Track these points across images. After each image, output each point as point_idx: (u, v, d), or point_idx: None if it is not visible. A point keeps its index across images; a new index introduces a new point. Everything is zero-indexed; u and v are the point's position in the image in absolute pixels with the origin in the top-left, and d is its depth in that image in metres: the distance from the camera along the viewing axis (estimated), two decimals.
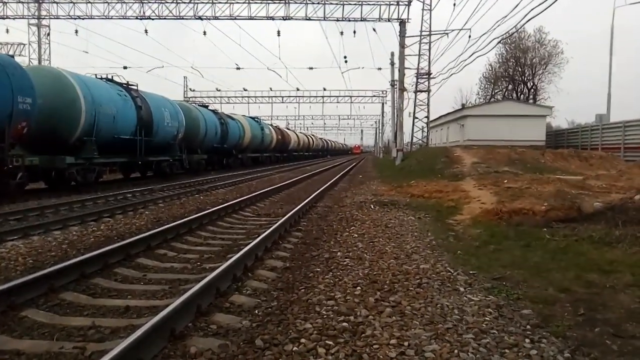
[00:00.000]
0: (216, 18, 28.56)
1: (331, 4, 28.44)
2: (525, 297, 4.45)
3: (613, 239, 6.48)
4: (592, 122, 34.15)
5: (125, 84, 17.99)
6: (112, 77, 17.72)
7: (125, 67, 37.58)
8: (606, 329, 3.64)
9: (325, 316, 3.94)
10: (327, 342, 3.42)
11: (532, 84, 48.44)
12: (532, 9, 14.35)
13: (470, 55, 24.20)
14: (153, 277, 5.35)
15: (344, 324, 3.75)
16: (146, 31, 30.07)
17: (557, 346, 3.37)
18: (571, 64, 48.02)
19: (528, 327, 3.74)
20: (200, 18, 28.65)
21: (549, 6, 12.67)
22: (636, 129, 24.26)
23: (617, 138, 25.89)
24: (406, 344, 3.39)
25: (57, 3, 29.22)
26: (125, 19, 28.78)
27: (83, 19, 28.84)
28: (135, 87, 18.42)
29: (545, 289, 4.69)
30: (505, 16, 16.71)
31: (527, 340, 3.46)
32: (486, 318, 3.92)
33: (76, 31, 30.04)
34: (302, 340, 3.45)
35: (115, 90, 16.78)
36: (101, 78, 17.19)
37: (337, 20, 28.89)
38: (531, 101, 44.49)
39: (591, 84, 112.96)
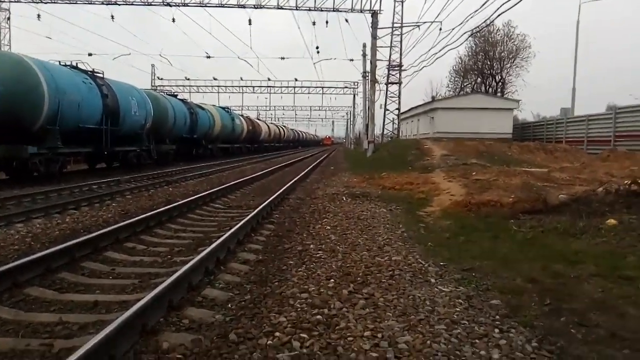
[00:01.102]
0: (185, 5, 28.01)
1: None
2: (494, 288, 4.55)
3: (577, 230, 6.70)
4: (557, 115, 35.16)
5: (90, 71, 17.44)
6: (76, 64, 17.13)
7: (90, 54, 36.58)
8: (572, 318, 3.76)
9: (299, 309, 3.93)
10: (301, 335, 3.42)
11: (500, 77, 49.47)
12: (502, 4, 14.57)
13: (442, 49, 24.55)
14: (122, 271, 5.23)
15: (318, 316, 3.76)
16: (112, 17, 29.22)
17: (525, 336, 3.46)
18: (538, 58, 49.28)
19: (497, 317, 3.82)
20: (169, 5, 28.01)
21: (519, 1, 12.87)
22: (598, 123, 25.10)
23: (580, 131, 26.73)
24: (380, 335, 3.42)
25: None
26: (91, 4, 27.87)
27: (46, 3, 27.79)
28: (101, 75, 17.89)
29: (513, 280, 4.81)
30: (476, 10, 16.92)
31: (497, 330, 3.55)
32: (457, 309, 3.99)
33: (38, 16, 28.91)
34: (277, 333, 3.44)
35: (80, 78, 16.24)
36: (65, 65, 16.60)
37: (309, 10, 28.76)
38: (499, 94, 45.43)
39: (557, 77, 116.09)
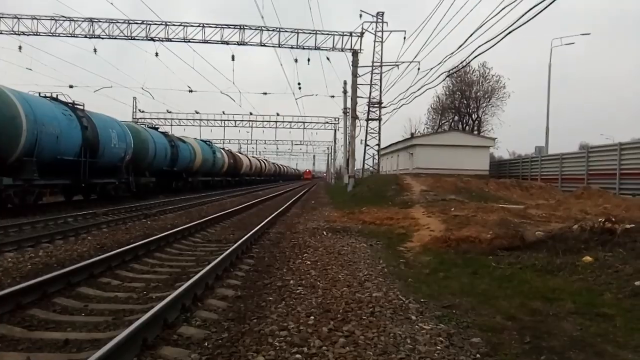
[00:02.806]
0: (169, 40, 28.25)
1: (286, 31, 28.84)
2: (475, 325, 4.54)
3: (554, 267, 6.77)
4: (531, 153, 36.07)
5: (70, 103, 17.32)
6: (57, 95, 17.02)
7: (71, 86, 36.44)
8: (551, 357, 3.76)
9: (278, 347, 3.85)
10: None
11: (476, 116, 50.80)
12: (479, 46, 15.11)
13: (420, 88, 25.11)
14: (95, 308, 5.06)
15: (298, 355, 3.69)
16: (95, 50, 29.29)
17: None
18: (513, 94, 51.07)
19: (478, 355, 3.81)
20: (152, 39, 28.24)
21: (494, 44, 13.39)
22: (572, 161, 25.79)
23: (555, 169, 27.39)
24: None
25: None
26: (74, 37, 27.95)
27: (27, 35, 27.74)
28: (81, 107, 17.78)
29: (493, 317, 4.81)
30: (453, 52, 17.49)
31: None
32: (438, 347, 3.96)
33: (20, 47, 28.84)
34: None
35: (60, 110, 16.11)
36: (45, 96, 16.48)
37: (292, 48, 29.29)
38: (476, 132, 46.51)
39: (532, 113, 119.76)
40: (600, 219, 8.32)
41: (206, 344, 3.98)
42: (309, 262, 7.57)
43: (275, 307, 5.02)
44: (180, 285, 5.35)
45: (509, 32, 12.46)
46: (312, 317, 4.67)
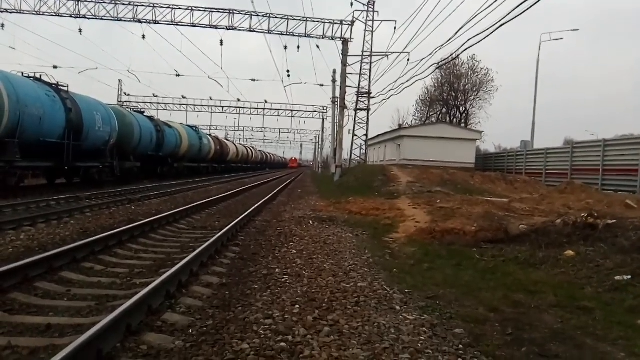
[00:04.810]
0: (157, 22, 27.82)
1: (276, 17, 28.58)
2: (458, 316, 4.59)
3: (537, 260, 6.88)
4: (517, 147, 36.41)
5: (54, 84, 16.98)
6: (40, 76, 16.67)
7: (55, 67, 35.76)
8: (532, 349, 3.82)
9: (262, 336, 3.85)
10: None
11: (464, 108, 51.02)
12: (469, 39, 15.15)
13: (410, 79, 25.19)
14: (78, 293, 5.01)
15: (282, 344, 3.69)
16: (80, 30, 28.71)
17: None
18: (501, 89, 51.33)
19: (460, 346, 3.85)
20: (139, 21, 27.78)
21: (484, 38, 13.41)
22: (556, 156, 26.10)
23: (539, 164, 27.70)
24: None
25: None
26: (59, 16, 27.33)
27: (10, 12, 27.08)
28: (65, 89, 17.44)
29: (476, 309, 4.87)
30: (443, 45, 17.51)
31: None
32: (421, 337, 4.00)
33: (2, 25, 28.14)
34: None
35: (44, 91, 15.78)
36: (28, 77, 16.13)
37: (282, 35, 29.06)
38: (463, 125, 46.77)
39: (518, 108, 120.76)
40: (582, 214, 8.44)
41: (190, 331, 3.97)
42: (294, 251, 7.58)
43: (261, 296, 5.02)
44: (165, 271, 5.32)
45: (499, 26, 12.51)
46: (297, 306, 4.67)
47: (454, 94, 50.78)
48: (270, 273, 6.05)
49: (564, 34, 49.71)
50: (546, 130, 70.69)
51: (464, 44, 16.16)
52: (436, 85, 51.68)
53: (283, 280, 5.72)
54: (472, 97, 50.23)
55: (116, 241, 7.56)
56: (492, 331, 4.23)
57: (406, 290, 5.49)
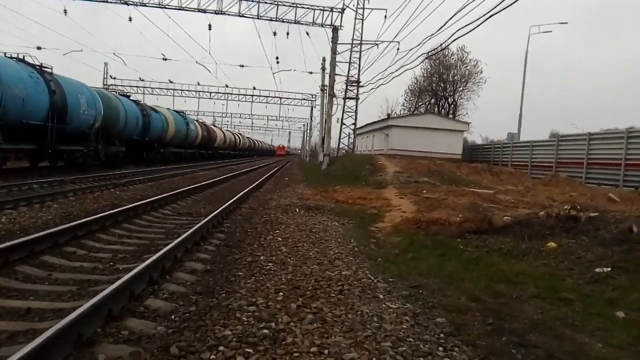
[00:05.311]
0: (144, 5, 27.34)
1: (265, 2, 28.27)
2: (440, 306, 4.64)
3: (520, 251, 6.95)
4: (504, 139, 36.69)
5: (38, 65, 16.64)
6: (23, 57, 16.32)
7: (39, 48, 35.05)
8: (512, 339, 3.87)
9: (245, 322, 3.84)
10: (246, 350, 3.34)
11: (452, 99, 51.22)
12: (459, 29, 15.16)
13: (399, 68, 25.13)
14: (59, 277, 4.95)
15: (265, 330, 3.69)
16: (65, 11, 28.10)
17: (467, 355, 3.53)
18: (488, 80, 51.46)
19: (442, 335, 3.89)
20: (126, 3, 27.29)
21: (474, 28, 13.42)
22: (542, 149, 26.37)
23: (525, 156, 27.98)
24: (326, 352, 3.39)
25: None
26: None
27: None
28: (49, 70, 17.10)
29: (458, 298, 4.92)
30: (433, 34, 17.47)
31: (441, 349, 3.60)
32: (403, 326, 4.03)
33: None
34: (221, 348, 3.34)
35: (27, 72, 15.45)
36: (11, 57, 15.76)
37: (271, 20, 28.75)
38: (451, 116, 46.94)
39: (506, 99, 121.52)
40: (565, 207, 8.55)
41: (173, 317, 3.95)
42: (280, 239, 7.57)
43: (245, 283, 5.01)
44: (149, 257, 5.27)
45: (490, 17, 12.50)
46: (281, 294, 4.68)
47: (442, 84, 50.90)
48: (255, 260, 6.03)
49: (554, 27, 49.97)
50: (533, 123, 71.22)
51: (453, 34, 16.20)
52: (425, 75, 51.77)
53: (268, 267, 5.71)
54: (461, 88, 50.46)
55: (99, 226, 7.49)
56: (473, 321, 4.28)
57: (390, 279, 5.53)
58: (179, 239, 6.22)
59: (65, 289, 4.57)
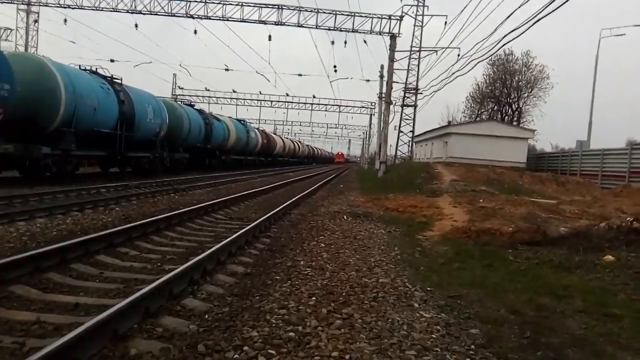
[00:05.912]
0: (208, 18, 28.53)
1: (324, 12, 28.64)
2: (476, 317, 4.50)
3: (572, 264, 6.59)
4: (573, 147, 34.79)
5: (109, 77, 17.86)
6: (96, 69, 17.59)
7: (112, 60, 37.40)
8: (547, 353, 3.69)
9: (273, 325, 3.93)
10: (269, 351, 3.41)
11: (517, 106, 49.25)
12: (505, 35, 14.73)
13: (451, 75, 24.52)
14: (109, 276, 5.29)
15: (291, 333, 3.75)
16: (136, 25, 29.93)
17: None
18: (562, 85, 49.07)
19: (472, 346, 3.77)
20: (191, 17, 28.58)
21: (523, 32, 12.94)
22: (613, 157, 24.74)
23: (595, 165, 26.36)
24: (347, 357, 3.40)
25: None
26: (116, 11, 28.59)
27: (73, 8, 28.56)
28: (119, 81, 18.29)
29: (497, 310, 4.74)
30: (484, 38, 16.97)
31: None
32: (433, 335, 3.95)
33: (65, 20, 29.73)
34: (245, 348, 3.44)
35: (98, 83, 16.63)
36: (85, 69, 17.04)
37: (329, 30, 29.09)
38: (515, 123, 45.16)
39: (578, 104, 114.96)
40: (628, 218, 8.01)
41: (206, 316, 4.11)
42: (323, 245, 7.63)
43: (280, 286, 5.11)
44: (192, 258, 5.51)
45: (536, 21, 11.99)
46: (313, 298, 4.73)
47: (506, 90, 49.10)
48: (295, 265, 6.13)
49: (627, 30, 46.84)
50: (609, 130, 66.68)
51: (505, 36, 15.48)
52: (488, 81, 50.18)
53: (305, 272, 5.78)
54: (526, 95, 48.42)
55: (154, 228, 7.89)
56: (509, 333, 4.12)
57: (428, 288, 5.42)
58: (224, 242, 6.45)
59: (113, 287, 4.87)
